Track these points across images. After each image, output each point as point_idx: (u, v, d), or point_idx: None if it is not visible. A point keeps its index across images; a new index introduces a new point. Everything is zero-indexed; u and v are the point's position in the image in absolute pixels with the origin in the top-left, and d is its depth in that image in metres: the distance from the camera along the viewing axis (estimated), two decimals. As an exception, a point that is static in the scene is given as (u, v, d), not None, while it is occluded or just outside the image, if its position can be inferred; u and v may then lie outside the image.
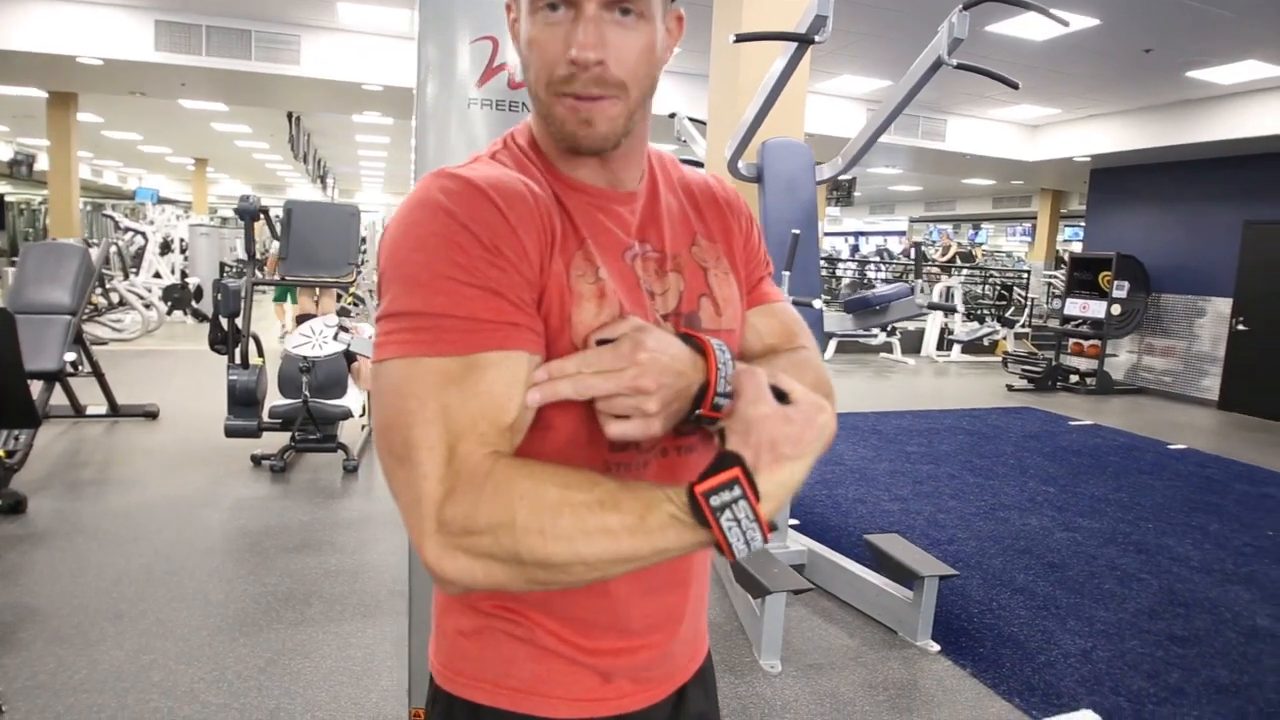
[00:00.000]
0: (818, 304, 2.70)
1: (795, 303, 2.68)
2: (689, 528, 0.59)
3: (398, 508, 0.63)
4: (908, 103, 2.88)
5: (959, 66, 2.65)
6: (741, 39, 2.48)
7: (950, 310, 5.52)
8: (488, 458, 0.61)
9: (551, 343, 0.68)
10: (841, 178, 14.08)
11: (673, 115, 4.56)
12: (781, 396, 0.63)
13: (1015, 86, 2.70)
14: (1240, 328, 8.42)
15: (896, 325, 10.56)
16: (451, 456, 0.60)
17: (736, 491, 0.58)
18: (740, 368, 0.66)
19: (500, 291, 0.64)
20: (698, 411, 0.66)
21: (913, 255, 11.51)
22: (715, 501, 0.58)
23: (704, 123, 4.31)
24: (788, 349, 0.84)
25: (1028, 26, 6.03)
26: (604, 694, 0.77)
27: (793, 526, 3.62)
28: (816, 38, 2.50)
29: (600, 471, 0.66)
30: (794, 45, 2.66)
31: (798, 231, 2.65)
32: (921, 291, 7.46)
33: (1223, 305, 8.66)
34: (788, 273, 2.68)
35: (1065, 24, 2.63)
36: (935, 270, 13.78)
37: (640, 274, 0.75)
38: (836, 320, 3.33)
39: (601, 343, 0.66)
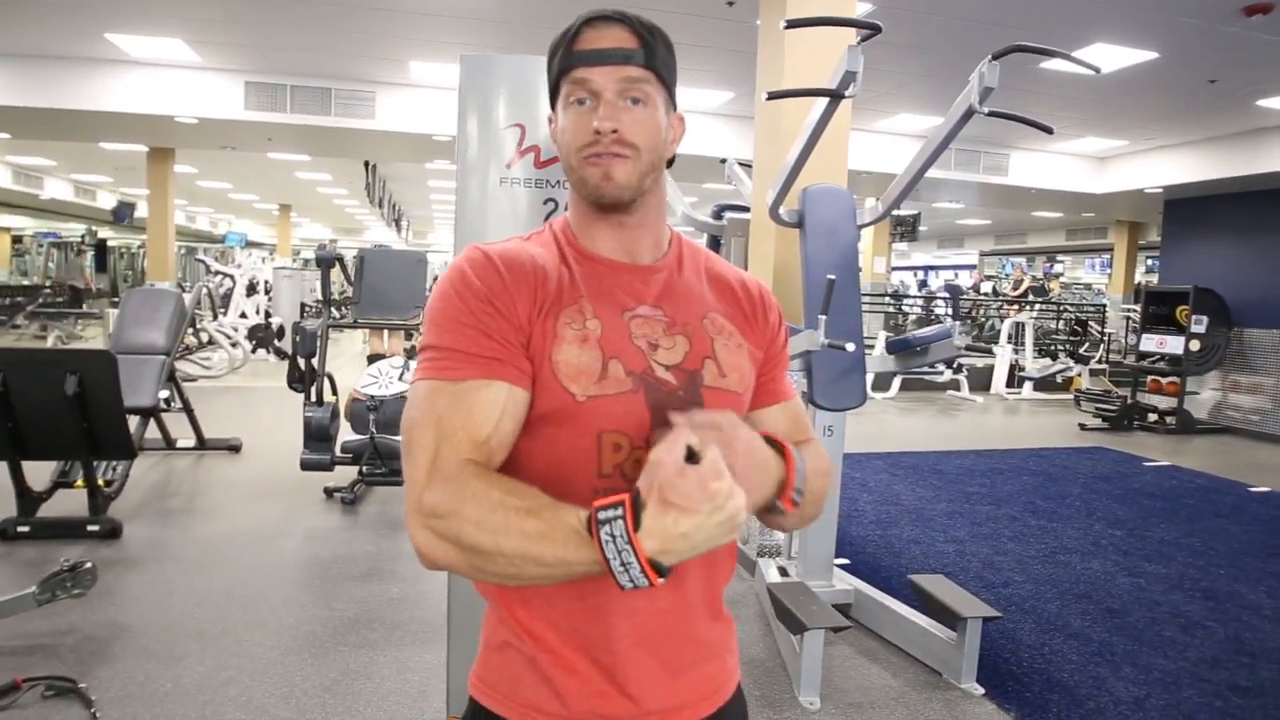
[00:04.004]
0: (850, 347, 2.77)
1: (830, 345, 2.76)
2: (584, 541, 0.70)
3: None
4: (943, 149, 2.95)
5: (991, 114, 2.71)
6: (774, 96, 2.61)
7: (985, 352, 5.44)
8: (459, 462, 0.78)
9: (537, 374, 0.84)
10: (904, 214, 13.93)
11: (723, 160, 4.71)
12: (692, 457, 0.68)
13: (1049, 131, 2.75)
14: (1331, 363, 8.01)
15: (962, 362, 10.40)
16: (436, 456, 0.77)
17: (618, 512, 0.68)
18: (675, 425, 0.74)
19: (490, 334, 0.82)
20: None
21: (951, 295, 11.34)
22: (601, 516, 0.69)
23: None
24: (798, 441, 0.96)
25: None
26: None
27: (842, 566, 3.64)
28: (846, 93, 2.61)
29: (589, 493, 0.78)
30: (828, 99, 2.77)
31: (832, 277, 2.73)
32: (965, 329, 7.36)
33: (1313, 340, 8.26)
34: (824, 317, 2.77)
35: (1096, 70, 2.68)
36: (1008, 306, 13.49)
37: (636, 330, 0.88)
38: (879, 361, 3.38)
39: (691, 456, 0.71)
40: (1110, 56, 5.79)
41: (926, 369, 9.55)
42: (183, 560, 3.72)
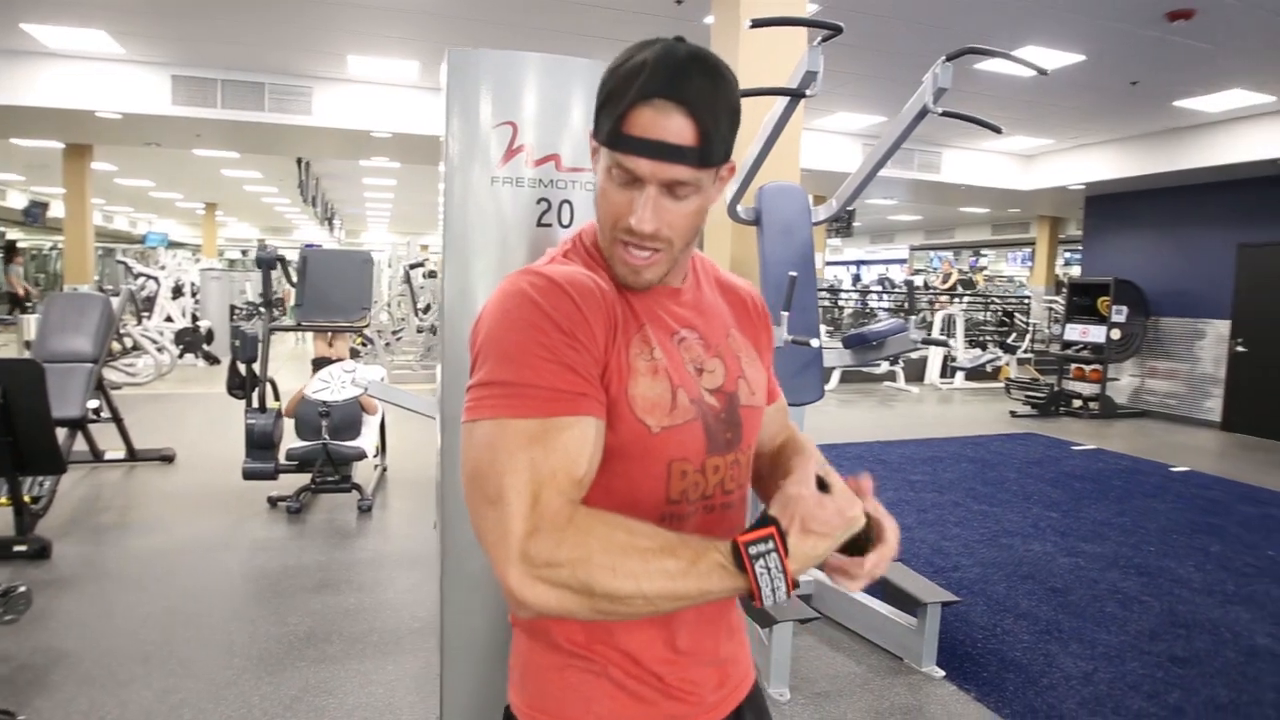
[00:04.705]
0: (815, 343, 2.81)
1: (794, 342, 2.80)
2: (730, 574, 0.72)
3: (482, 541, 0.75)
4: (897, 148, 3.02)
5: (944, 114, 2.79)
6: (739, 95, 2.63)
7: (943, 344, 5.66)
8: (568, 505, 0.74)
9: (611, 407, 0.81)
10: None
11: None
12: (823, 485, 0.75)
13: (998, 131, 2.84)
14: (1240, 349, 8.51)
15: (899, 355, 10.69)
16: (536, 502, 0.73)
17: (770, 545, 0.71)
18: (800, 459, 0.80)
19: (574, 368, 0.78)
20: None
21: (906, 290, 11.67)
22: (753, 551, 0.71)
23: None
24: (788, 434, 1.05)
25: (1016, 65, 6.22)
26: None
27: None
28: (808, 92, 2.65)
29: (656, 519, 0.81)
30: (788, 98, 2.80)
31: (794, 274, 2.77)
32: (921, 323, 7.61)
33: (1222, 327, 8.76)
34: (786, 313, 2.80)
35: (1044, 72, 2.78)
36: (942, 298, 13.91)
37: (685, 355, 0.89)
38: (836, 355, 3.44)
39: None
40: (1041, 59, 6.01)
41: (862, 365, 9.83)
42: (121, 579, 3.54)
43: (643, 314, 0.87)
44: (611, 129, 0.80)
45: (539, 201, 1.34)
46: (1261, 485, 6.02)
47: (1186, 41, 5.54)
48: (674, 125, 0.78)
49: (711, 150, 0.80)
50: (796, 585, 0.73)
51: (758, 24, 2.46)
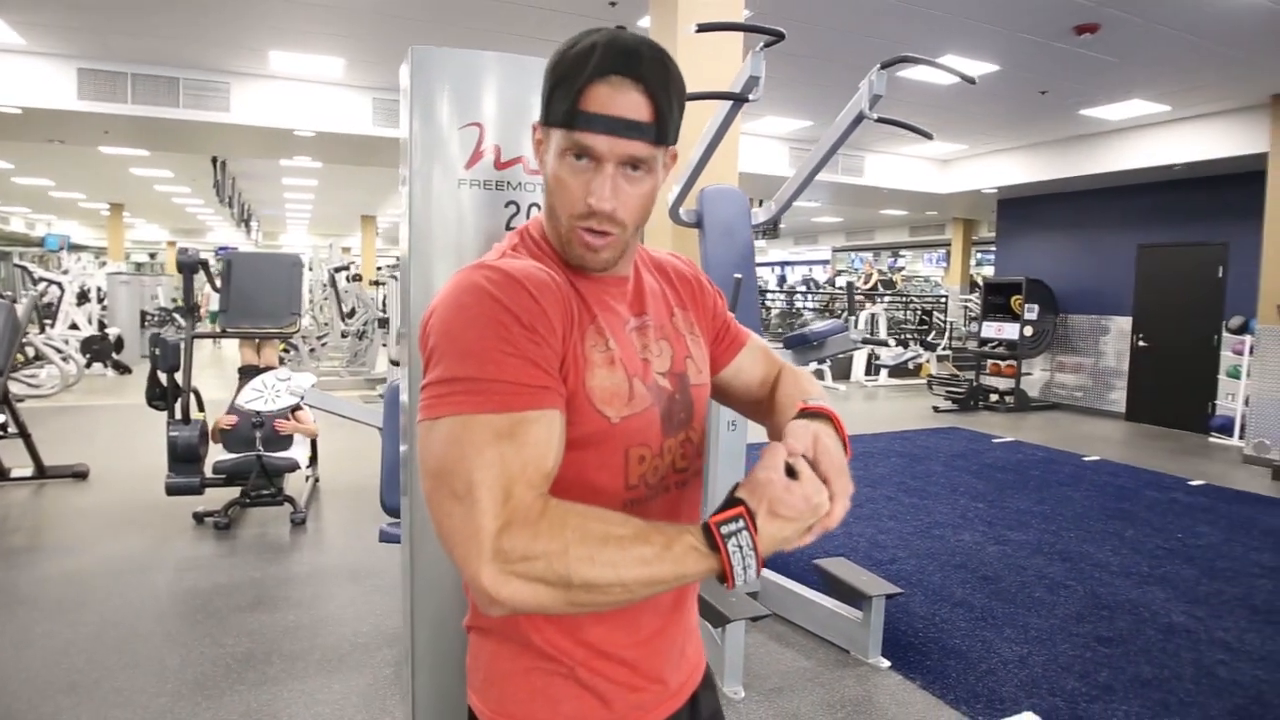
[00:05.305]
0: (763, 344, 2.87)
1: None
2: (703, 555, 0.73)
3: (447, 540, 0.74)
4: (834, 151, 3.11)
5: (880, 120, 2.88)
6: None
7: (882, 344, 5.86)
8: (539, 499, 0.74)
9: (570, 400, 0.82)
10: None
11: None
12: (791, 473, 0.76)
13: (929, 137, 2.95)
14: (1141, 344, 9.05)
15: (839, 354, 10.96)
16: (508, 497, 0.72)
17: (741, 524, 0.72)
18: (771, 445, 0.79)
19: (536, 361, 0.78)
20: None
21: (846, 292, 11.97)
22: (725, 530, 0.72)
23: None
24: (776, 372, 1.07)
25: (935, 73, 6.46)
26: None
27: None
28: (750, 96, 2.70)
29: (619, 504, 0.82)
30: (730, 102, 2.85)
31: (739, 276, 2.82)
32: (855, 327, 7.81)
33: (1124, 323, 9.29)
34: (732, 315, 2.85)
35: (972, 80, 2.90)
36: (860, 298, 14.34)
37: (637, 343, 0.91)
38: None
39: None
40: (958, 67, 6.26)
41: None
42: (38, 604, 3.33)
43: (594, 305, 0.88)
44: (568, 108, 0.80)
45: (507, 204, 1.32)
46: (1164, 471, 6.41)
47: (1092, 54, 5.87)
48: (630, 101, 0.79)
49: (666, 127, 0.82)
50: (765, 563, 0.74)
51: (703, 28, 2.49)
